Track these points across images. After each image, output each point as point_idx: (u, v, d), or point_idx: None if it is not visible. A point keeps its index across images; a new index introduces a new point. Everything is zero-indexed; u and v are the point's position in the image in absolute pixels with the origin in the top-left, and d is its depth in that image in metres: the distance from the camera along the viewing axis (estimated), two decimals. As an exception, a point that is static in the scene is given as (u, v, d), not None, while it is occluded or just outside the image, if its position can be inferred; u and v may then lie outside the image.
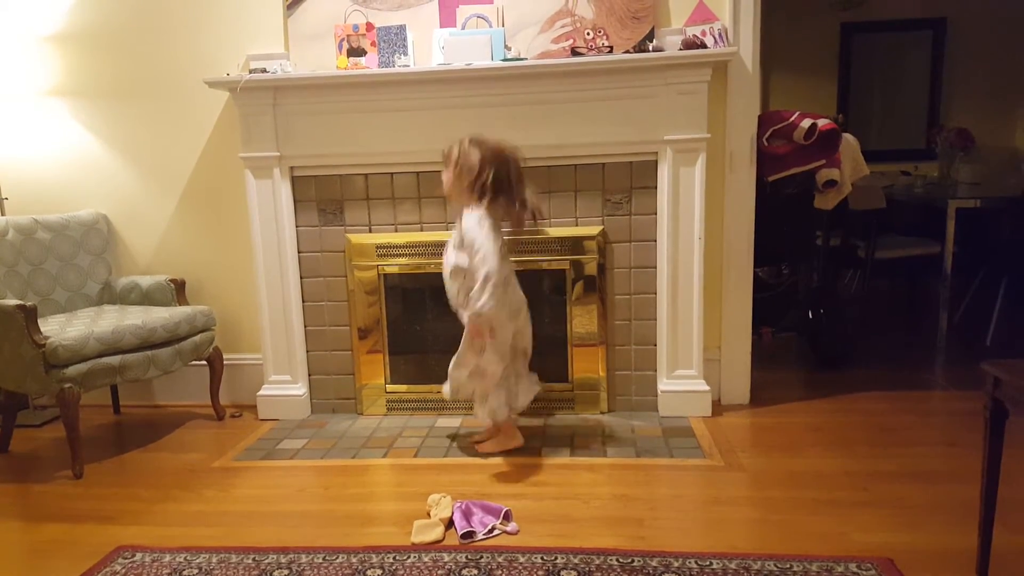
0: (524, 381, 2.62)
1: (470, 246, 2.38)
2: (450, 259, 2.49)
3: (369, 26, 2.84)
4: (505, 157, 2.44)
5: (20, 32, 3.11)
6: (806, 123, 2.97)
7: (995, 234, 4.00)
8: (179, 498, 2.39)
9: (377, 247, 3.00)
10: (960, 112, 5.37)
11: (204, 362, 3.05)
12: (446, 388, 2.61)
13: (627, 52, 2.79)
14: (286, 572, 1.89)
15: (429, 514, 2.14)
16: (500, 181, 2.41)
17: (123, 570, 1.93)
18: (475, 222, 2.39)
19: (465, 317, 2.47)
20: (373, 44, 2.84)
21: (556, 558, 1.89)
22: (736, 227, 2.96)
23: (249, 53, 3.01)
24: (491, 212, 2.44)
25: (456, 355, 2.54)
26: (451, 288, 2.51)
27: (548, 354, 2.89)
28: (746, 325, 3.04)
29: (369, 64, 2.84)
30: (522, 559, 1.90)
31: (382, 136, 2.89)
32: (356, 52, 2.85)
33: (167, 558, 1.99)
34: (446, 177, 2.48)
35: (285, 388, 3.10)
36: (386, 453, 2.69)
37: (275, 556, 1.97)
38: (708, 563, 1.85)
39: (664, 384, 2.96)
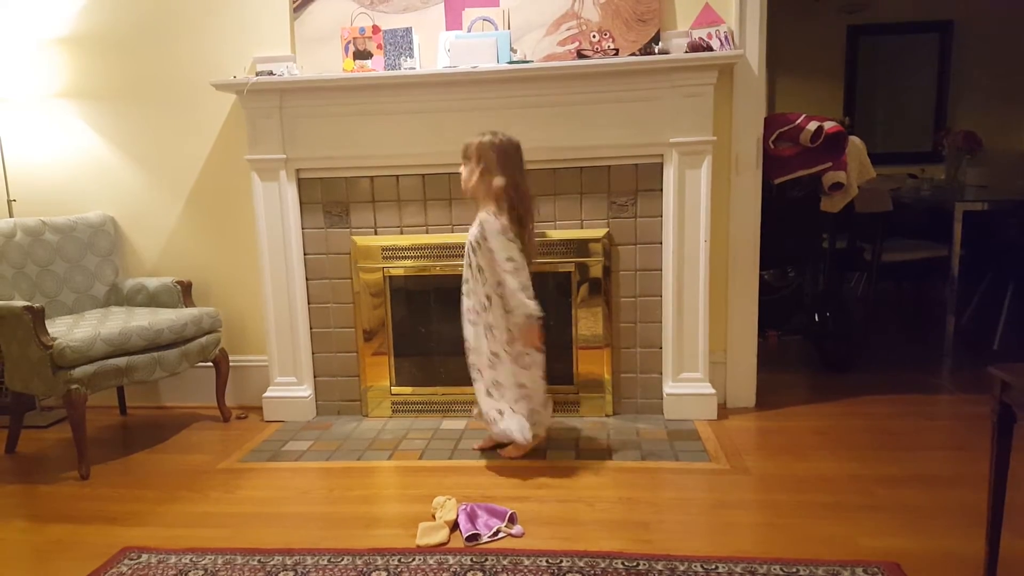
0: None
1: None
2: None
3: (375, 29, 2.85)
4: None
5: (29, 35, 3.13)
6: (812, 126, 2.97)
7: (1002, 237, 3.98)
8: (185, 499, 2.40)
9: (383, 249, 3.00)
10: (967, 115, 5.36)
11: (210, 364, 3.06)
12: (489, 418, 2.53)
13: (633, 55, 2.79)
14: (291, 574, 1.89)
15: (434, 516, 2.14)
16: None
17: (129, 571, 1.94)
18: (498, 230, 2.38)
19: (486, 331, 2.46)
20: (379, 47, 2.85)
21: (561, 561, 1.89)
22: (742, 230, 2.96)
23: (255, 56, 3.01)
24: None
25: (489, 379, 2.49)
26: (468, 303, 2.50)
27: (553, 357, 2.87)
28: (752, 328, 3.04)
29: (375, 67, 2.85)
30: (527, 562, 1.89)
31: (388, 139, 2.90)
32: (362, 55, 2.86)
33: (173, 559, 1.99)
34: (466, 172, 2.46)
35: (290, 390, 3.10)
36: (391, 455, 2.69)
37: (280, 558, 1.97)
38: (714, 567, 1.84)
39: (669, 387, 2.95)
